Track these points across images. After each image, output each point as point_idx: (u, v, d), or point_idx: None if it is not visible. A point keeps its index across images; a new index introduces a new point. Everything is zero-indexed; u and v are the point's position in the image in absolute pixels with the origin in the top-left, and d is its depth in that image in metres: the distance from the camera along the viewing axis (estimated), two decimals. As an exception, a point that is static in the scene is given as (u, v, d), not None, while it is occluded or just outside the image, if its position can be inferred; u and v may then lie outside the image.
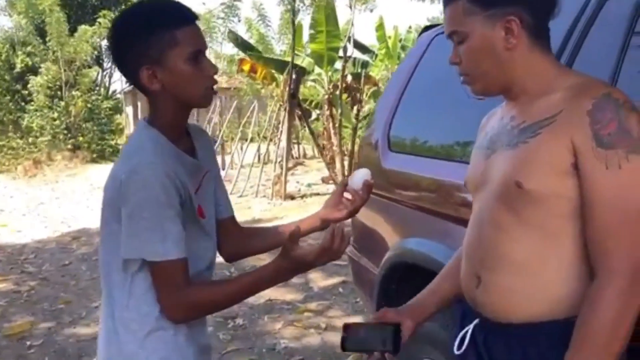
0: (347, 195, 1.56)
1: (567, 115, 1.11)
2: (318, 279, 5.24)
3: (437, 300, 1.47)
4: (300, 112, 9.62)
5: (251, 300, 4.70)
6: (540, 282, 1.16)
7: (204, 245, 1.45)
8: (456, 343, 1.31)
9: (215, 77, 1.39)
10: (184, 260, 1.30)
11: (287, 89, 8.94)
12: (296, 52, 9.89)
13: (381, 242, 2.37)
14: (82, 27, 16.61)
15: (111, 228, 1.33)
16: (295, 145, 14.16)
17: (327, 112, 9.82)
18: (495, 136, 1.28)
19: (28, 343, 3.90)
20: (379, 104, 2.89)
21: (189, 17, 1.34)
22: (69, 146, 15.73)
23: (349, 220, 1.67)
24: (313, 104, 12.45)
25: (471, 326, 1.28)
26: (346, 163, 9.63)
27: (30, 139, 15.79)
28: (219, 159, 12.08)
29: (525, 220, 1.16)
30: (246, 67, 11.06)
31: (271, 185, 9.17)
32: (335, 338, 3.91)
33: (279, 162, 9.02)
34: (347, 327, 1.42)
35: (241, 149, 11.02)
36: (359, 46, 13.25)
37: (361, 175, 1.52)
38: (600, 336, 1.05)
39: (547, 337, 1.14)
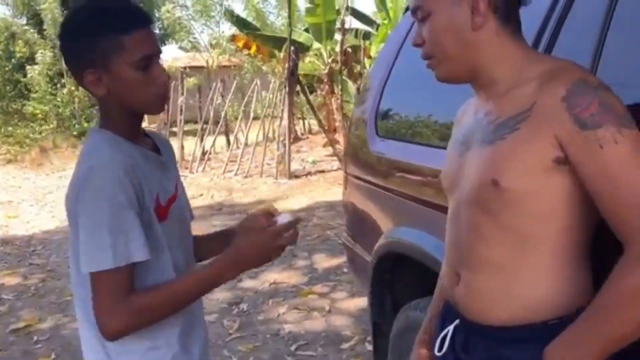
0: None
1: (541, 106, 1.04)
2: (322, 260, 5.23)
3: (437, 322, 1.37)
4: (300, 89, 9.52)
5: (255, 284, 4.71)
6: (517, 284, 1.11)
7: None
8: (437, 344, 1.27)
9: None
10: (131, 267, 1.23)
11: (287, 66, 8.84)
12: (293, 28, 9.74)
13: (373, 230, 2.33)
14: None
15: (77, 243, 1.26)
16: (300, 121, 14.06)
17: (327, 88, 9.71)
18: (470, 132, 1.22)
19: (35, 338, 3.93)
20: (365, 86, 2.82)
21: (139, 20, 1.28)
22: (75, 133, 15.59)
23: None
24: (315, 79, 12.30)
25: (451, 327, 1.24)
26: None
27: (36, 127, 15.69)
28: (223, 139, 12.03)
29: (501, 222, 1.10)
30: (240, 44, 10.95)
31: (275, 164, 9.12)
32: (340, 321, 3.91)
33: (282, 140, 8.95)
34: None
35: (245, 127, 10.94)
36: (360, 16, 12.95)
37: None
38: (609, 309, 0.97)
39: (525, 340, 1.10)
